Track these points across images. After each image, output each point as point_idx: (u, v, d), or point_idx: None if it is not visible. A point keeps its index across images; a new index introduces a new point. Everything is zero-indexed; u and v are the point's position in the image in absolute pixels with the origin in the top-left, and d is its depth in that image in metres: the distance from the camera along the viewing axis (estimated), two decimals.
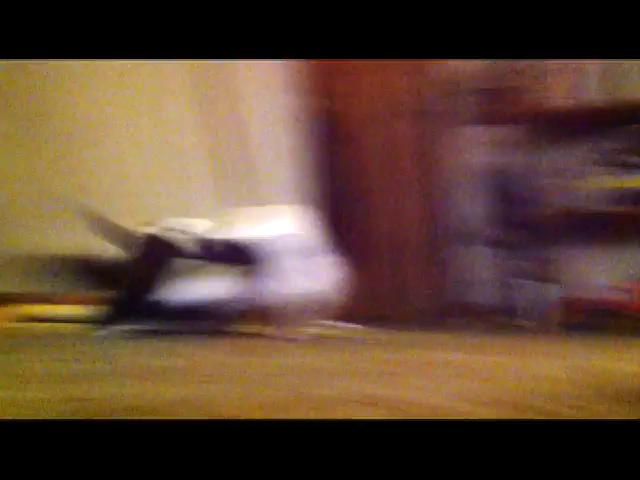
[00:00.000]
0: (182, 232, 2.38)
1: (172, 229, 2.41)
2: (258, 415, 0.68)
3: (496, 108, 3.12)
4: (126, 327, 2.20)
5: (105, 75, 3.24)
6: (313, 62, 3.27)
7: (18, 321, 2.60)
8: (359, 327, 2.48)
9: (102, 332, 2.14)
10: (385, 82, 3.40)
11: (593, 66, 2.89)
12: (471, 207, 3.16)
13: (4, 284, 3.03)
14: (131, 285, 2.29)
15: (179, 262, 2.32)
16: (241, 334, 2.15)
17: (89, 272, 2.55)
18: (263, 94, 3.28)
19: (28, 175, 3.31)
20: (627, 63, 2.83)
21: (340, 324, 2.42)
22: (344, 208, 3.30)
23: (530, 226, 2.94)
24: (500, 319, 2.89)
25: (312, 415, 0.67)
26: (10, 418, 0.63)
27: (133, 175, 3.21)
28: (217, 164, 3.20)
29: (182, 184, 3.21)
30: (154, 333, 2.02)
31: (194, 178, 3.24)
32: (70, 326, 2.30)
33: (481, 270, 3.11)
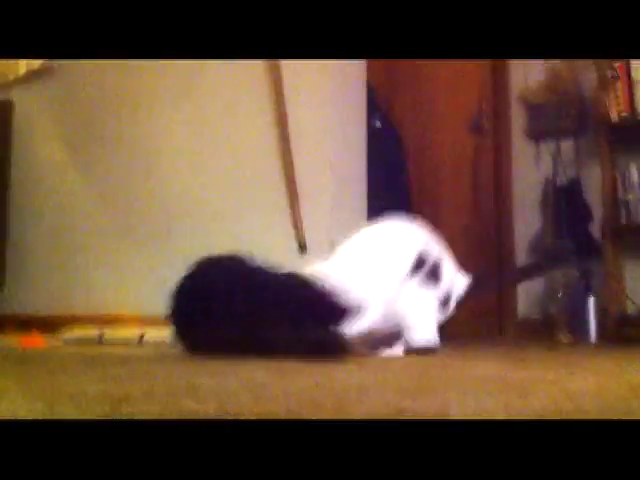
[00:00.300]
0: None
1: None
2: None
3: (560, 122, 3.12)
4: None
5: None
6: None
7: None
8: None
9: None
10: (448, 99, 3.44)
11: None
12: (534, 222, 3.15)
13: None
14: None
15: None
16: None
17: None
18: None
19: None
20: None
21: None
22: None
23: (594, 240, 2.91)
24: (555, 333, 2.86)
25: None
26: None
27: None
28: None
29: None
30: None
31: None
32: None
33: (540, 284, 3.09)
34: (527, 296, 3.19)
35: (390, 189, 3.19)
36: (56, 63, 3.55)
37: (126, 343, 2.41)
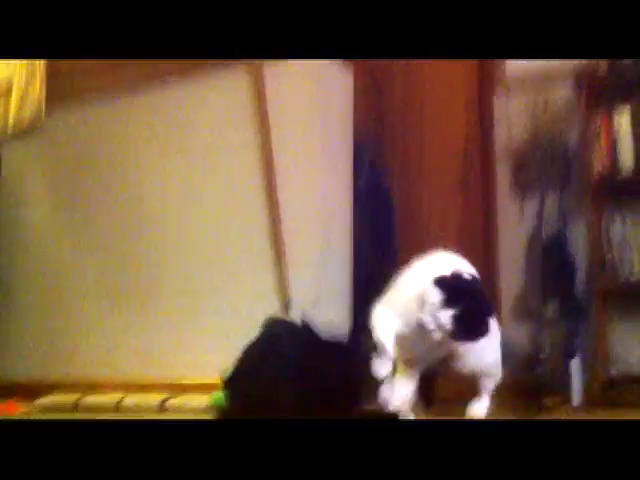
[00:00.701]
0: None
1: None
2: None
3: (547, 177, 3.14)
4: None
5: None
6: None
7: None
8: None
9: None
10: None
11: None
12: (519, 280, 3.14)
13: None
14: None
15: None
16: None
17: None
18: None
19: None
20: None
21: None
22: None
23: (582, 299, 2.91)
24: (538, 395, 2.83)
25: None
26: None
27: None
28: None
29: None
30: None
31: None
32: None
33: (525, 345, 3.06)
34: (511, 357, 3.15)
35: (376, 245, 3.19)
36: (44, 117, 3.56)
37: (104, 409, 2.38)
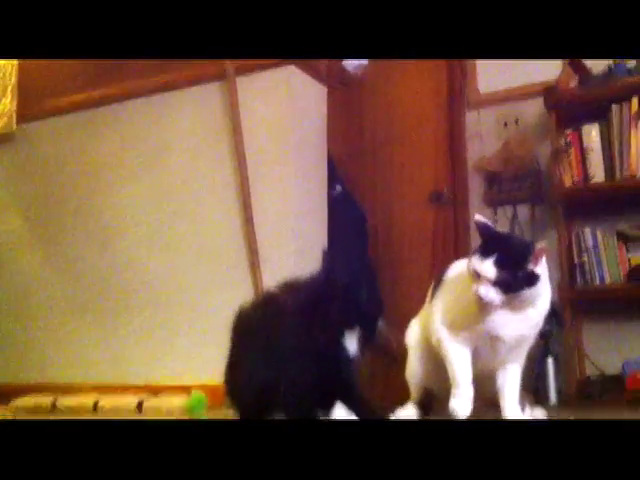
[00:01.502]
0: None
1: None
2: None
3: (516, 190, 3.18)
4: None
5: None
6: None
7: None
8: None
9: None
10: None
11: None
12: None
13: None
14: None
15: None
16: None
17: None
18: None
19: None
20: None
21: None
22: None
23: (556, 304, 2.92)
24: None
25: None
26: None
27: None
28: None
29: None
30: None
31: None
32: None
33: None
34: None
35: (350, 256, 3.19)
36: (17, 127, 3.54)
37: (80, 411, 2.34)
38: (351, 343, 1.62)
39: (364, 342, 1.60)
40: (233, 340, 1.78)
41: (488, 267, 1.64)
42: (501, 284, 1.64)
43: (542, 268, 1.69)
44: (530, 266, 1.65)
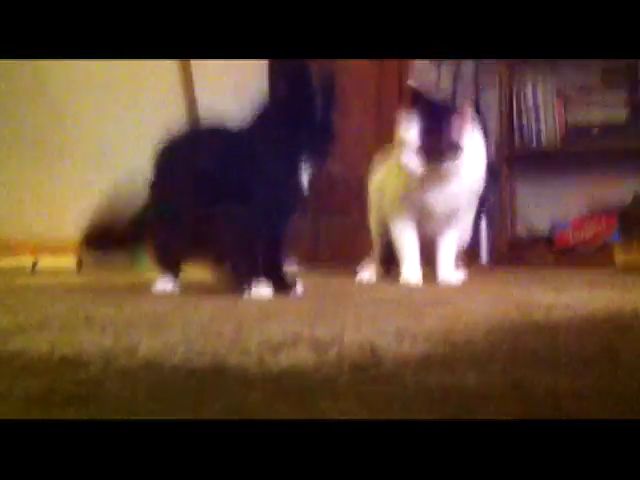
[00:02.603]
0: None
1: None
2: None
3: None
4: None
5: None
6: None
7: None
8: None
9: None
10: None
11: None
12: None
13: None
14: None
15: None
16: None
17: None
18: None
19: None
20: None
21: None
22: None
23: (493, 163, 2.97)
24: None
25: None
26: None
27: None
28: None
29: None
30: None
31: None
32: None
33: None
34: None
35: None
36: None
37: (18, 272, 2.32)
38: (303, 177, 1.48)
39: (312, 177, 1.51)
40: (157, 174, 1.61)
41: (412, 135, 1.67)
42: (424, 152, 1.66)
43: (471, 137, 1.71)
44: (454, 136, 1.67)
